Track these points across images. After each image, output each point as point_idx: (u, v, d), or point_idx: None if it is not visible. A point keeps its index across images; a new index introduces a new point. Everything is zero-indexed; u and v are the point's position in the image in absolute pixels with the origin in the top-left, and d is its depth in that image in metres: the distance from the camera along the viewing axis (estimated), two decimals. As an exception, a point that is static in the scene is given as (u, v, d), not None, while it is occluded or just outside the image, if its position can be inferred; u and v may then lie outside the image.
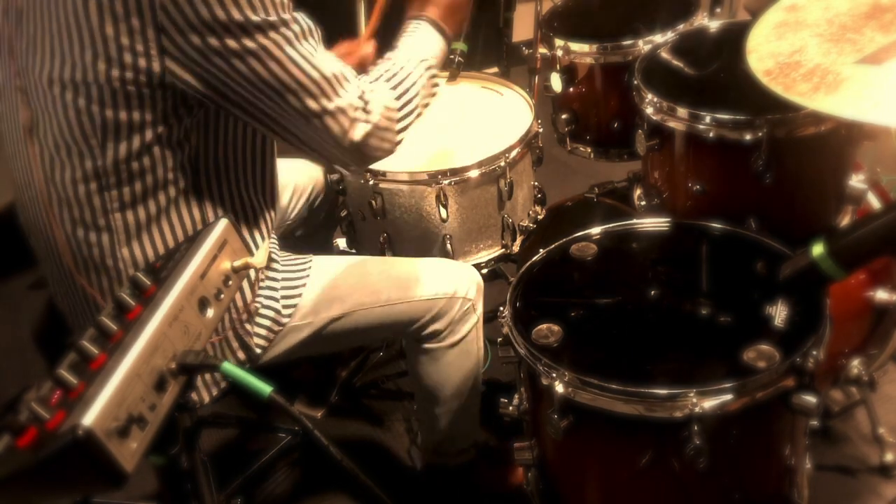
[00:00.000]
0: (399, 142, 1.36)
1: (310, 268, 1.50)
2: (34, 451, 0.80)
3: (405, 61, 1.39)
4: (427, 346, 1.60)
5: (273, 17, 1.16)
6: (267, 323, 1.42)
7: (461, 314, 1.59)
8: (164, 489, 1.08)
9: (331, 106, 1.24)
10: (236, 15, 1.13)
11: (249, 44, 1.15)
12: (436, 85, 1.45)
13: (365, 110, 1.28)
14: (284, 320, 1.44)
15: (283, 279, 1.46)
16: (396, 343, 2.16)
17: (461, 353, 1.63)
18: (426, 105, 1.43)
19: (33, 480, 0.81)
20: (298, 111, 1.23)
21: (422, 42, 1.44)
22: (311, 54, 1.22)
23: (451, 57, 2.01)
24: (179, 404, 0.95)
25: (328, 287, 1.50)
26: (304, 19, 1.22)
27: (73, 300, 1.36)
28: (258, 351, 1.43)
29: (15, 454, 0.80)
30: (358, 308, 1.51)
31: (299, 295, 1.46)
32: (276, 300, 1.43)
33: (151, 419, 0.88)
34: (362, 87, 1.30)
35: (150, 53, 1.14)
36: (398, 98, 1.35)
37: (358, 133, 1.28)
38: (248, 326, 1.40)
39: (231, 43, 1.14)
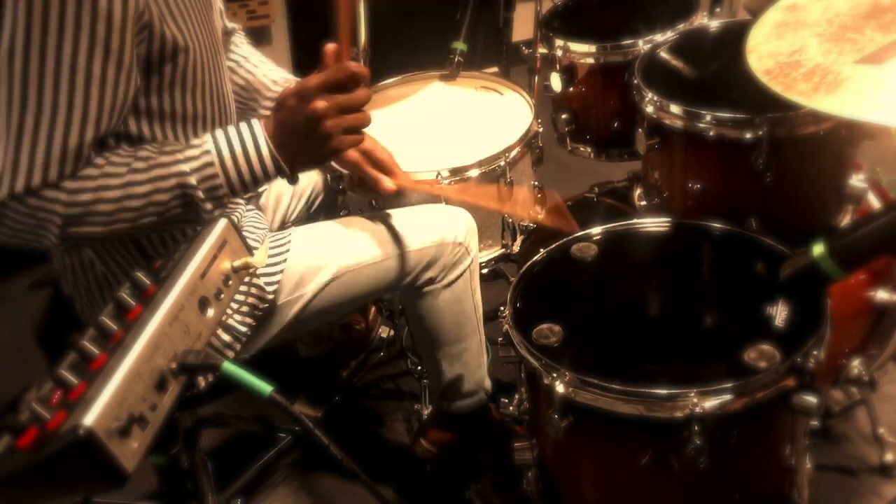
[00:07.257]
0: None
1: (289, 241, 1.46)
2: (35, 451, 0.80)
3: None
4: (421, 290, 1.58)
5: None
6: (249, 309, 1.39)
7: (454, 258, 1.56)
8: (164, 489, 1.08)
9: None
10: None
11: None
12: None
13: None
14: (269, 297, 1.40)
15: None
16: (397, 343, 2.16)
17: (454, 295, 1.60)
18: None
19: (34, 480, 0.81)
20: None
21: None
22: None
23: (451, 57, 2.02)
24: (180, 402, 0.95)
25: (311, 256, 1.46)
26: None
27: (83, 280, 1.35)
28: (249, 334, 1.39)
29: (15, 454, 0.80)
30: (345, 271, 1.48)
31: (281, 271, 1.42)
32: (258, 283, 1.39)
33: (152, 419, 0.88)
34: None
35: None
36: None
37: None
38: (235, 317, 1.38)
39: None
